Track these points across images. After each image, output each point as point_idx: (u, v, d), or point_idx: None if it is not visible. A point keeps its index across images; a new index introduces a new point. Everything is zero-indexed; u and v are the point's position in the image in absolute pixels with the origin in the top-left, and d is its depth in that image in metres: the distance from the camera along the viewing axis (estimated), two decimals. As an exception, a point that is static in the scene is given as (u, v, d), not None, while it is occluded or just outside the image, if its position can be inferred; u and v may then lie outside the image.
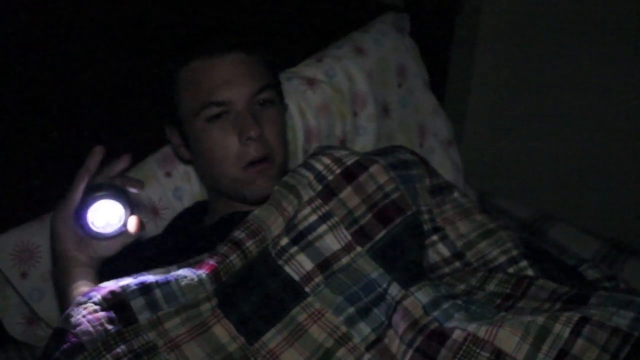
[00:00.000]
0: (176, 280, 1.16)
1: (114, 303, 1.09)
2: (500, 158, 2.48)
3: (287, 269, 1.20)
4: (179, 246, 1.33)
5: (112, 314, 1.07)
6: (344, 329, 1.16)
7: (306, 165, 1.31)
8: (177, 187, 1.52)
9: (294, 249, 1.21)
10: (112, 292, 1.10)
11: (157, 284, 1.13)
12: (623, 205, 2.21)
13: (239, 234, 1.24)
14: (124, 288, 1.11)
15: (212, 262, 1.20)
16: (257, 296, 1.18)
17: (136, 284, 1.12)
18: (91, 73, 1.45)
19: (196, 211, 1.49)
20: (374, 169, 1.31)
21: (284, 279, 1.19)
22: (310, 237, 1.22)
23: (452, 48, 2.11)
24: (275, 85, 1.39)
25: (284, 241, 1.22)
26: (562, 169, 2.32)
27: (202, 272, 1.18)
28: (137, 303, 1.10)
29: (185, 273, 1.17)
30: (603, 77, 2.13)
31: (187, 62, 1.30)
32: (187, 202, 1.54)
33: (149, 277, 1.14)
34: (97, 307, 1.07)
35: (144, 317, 1.09)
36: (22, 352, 1.40)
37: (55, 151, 1.43)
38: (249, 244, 1.22)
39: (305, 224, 1.24)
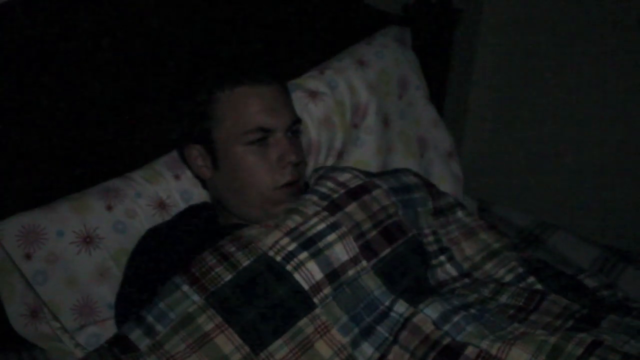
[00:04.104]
0: (160, 298, 1.20)
1: (115, 340, 1.19)
2: (499, 167, 2.48)
3: (296, 276, 1.19)
4: (195, 241, 1.34)
5: (114, 348, 1.17)
6: (350, 350, 1.16)
7: (310, 190, 1.35)
8: (185, 189, 1.52)
9: (304, 254, 1.21)
10: (114, 335, 1.21)
11: (146, 311, 1.19)
12: (622, 213, 2.19)
13: (229, 247, 1.24)
14: (123, 328, 1.21)
15: (196, 273, 1.21)
16: (263, 303, 1.16)
17: (131, 320, 1.20)
18: (107, 77, 1.48)
19: (205, 210, 1.49)
20: (376, 192, 1.35)
21: (293, 286, 1.18)
22: (320, 244, 1.23)
23: (452, 59, 2.12)
24: None
25: (292, 246, 1.22)
26: (561, 176, 2.32)
27: (185, 285, 1.19)
28: (135, 334, 1.18)
29: (168, 288, 1.21)
30: (603, 85, 2.15)
31: (233, 87, 1.33)
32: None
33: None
34: (103, 346, 1.19)
35: (144, 344, 1.15)
36: (22, 356, 1.39)
37: (66, 146, 1.46)
38: (238, 255, 1.22)
39: (314, 231, 1.24)
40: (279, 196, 1.35)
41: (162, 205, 1.49)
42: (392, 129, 1.80)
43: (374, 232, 1.29)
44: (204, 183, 1.50)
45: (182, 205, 1.52)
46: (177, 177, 1.53)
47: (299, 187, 1.38)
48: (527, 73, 2.32)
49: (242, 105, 1.33)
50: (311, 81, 1.72)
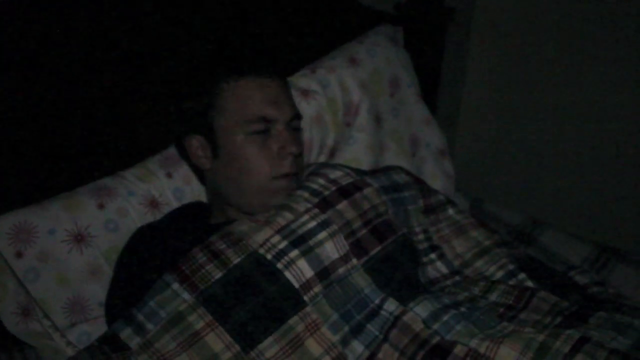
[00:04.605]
0: (150, 296, 1.20)
1: (106, 338, 1.19)
2: (492, 165, 2.48)
3: (287, 274, 1.19)
4: (185, 240, 1.33)
5: (104, 347, 1.17)
6: (340, 348, 1.16)
7: (301, 186, 1.35)
8: (177, 187, 1.52)
9: (294, 252, 1.21)
10: (105, 333, 1.21)
11: (137, 309, 1.18)
12: (613, 211, 2.19)
13: (219, 244, 1.24)
14: (113, 326, 1.20)
15: (186, 271, 1.20)
16: (253, 301, 1.16)
17: (121, 318, 1.20)
18: (100, 76, 1.48)
19: (198, 209, 1.49)
20: (367, 191, 1.35)
21: (283, 284, 1.18)
22: (311, 242, 1.23)
23: (444, 58, 2.11)
24: None
25: (282, 244, 1.22)
26: (554, 174, 2.32)
27: (175, 283, 1.19)
28: (125, 333, 1.18)
29: (159, 286, 1.20)
30: (596, 83, 2.14)
31: (237, 78, 1.34)
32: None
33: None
34: (94, 344, 1.19)
35: (134, 342, 1.15)
36: (13, 356, 1.39)
37: (58, 145, 1.46)
38: (229, 252, 1.22)
39: (305, 229, 1.24)
40: (277, 186, 1.34)
41: (154, 203, 1.49)
42: (384, 128, 1.80)
43: (364, 231, 1.29)
44: (201, 178, 1.50)
45: (175, 204, 1.52)
46: (169, 175, 1.53)
47: (297, 180, 1.38)
48: (520, 71, 2.32)
49: (246, 95, 1.34)
50: (303, 80, 1.72)
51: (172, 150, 1.56)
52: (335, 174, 1.37)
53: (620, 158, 2.16)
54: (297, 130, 1.42)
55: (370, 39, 1.83)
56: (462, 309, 1.20)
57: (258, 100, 1.34)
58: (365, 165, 1.71)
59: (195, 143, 1.39)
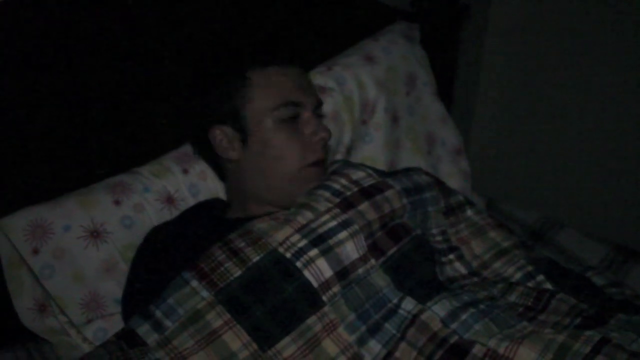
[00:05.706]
0: (168, 293, 1.19)
1: (123, 334, 1.18)
2: (507, 164, 2.46)
3: (306, 273, 1.17)
4: (202, 236, 1.32)
5: (121, 342, 1.16)
6: (356, 348, 1.15)
7: (322, 186, 1.33)
8: (193, 183, 1.51)
9: (314, 251, 1.19)
10: (122, 329, 1.20)
11: (155, 305, 1.18)
12: (630, 211, 2.17)
13: (239, 242, 1.23)
14: (130, 322, 1.20)
15: (205, 268, 1.19)
16: (272, 300, 1.15)
17: (139, 314, 1.19)
18: (115, 72, 1.48)
19: (213, 205, 1.48)
20: (389, 193, 1.34)
21: (302, 284, 1.17)
22: (331, 242, 1.21)
23: (460, 55, 2.10)
24: None
25: (302, 242, 1.20)
26: (569, 174, 2.30)
27: (194, 280, 1.18)
28: (143, 329, 1.17)
29: (177, 283, 1.19)
30: (610, 83, 2.12)
31: (264, 66, 1.34)
32: (203, 199, 1.52)
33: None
34: (111, 339, 1.18)
35: (152, 339, 1.14)
36: (30, 352, 1.39)
37: (75, 140, 1.45)
38: (248, 250, 1.21)
39: (325, 228, 1.23)
40: (306, 175, 1.34)
41: (170, 199, 1.48)
42: (401, 126, 1.79)
43: (381, 232, 1.28)
44: (220, 173, 1.49)
45: (191, 200, 1.51)
46: (185, 171, 1.52)
47: (324, 169, 1.38)
48: (536, 69, 2.29)
49: (275, 82, 1.34)
50: (319, 77, 1.70)
51: (187, 147, 1.55)
52: (357, 175, 1.36)
53: (638, 157, 2.14)
54: (321, 117, 1.42)
55: (386, 37, 1.82)
56: (482, 307, 1.19)
57: (287, 86, 1.35)
58: (381, 163, 1.70)
59: (220, 134, 1.37)
